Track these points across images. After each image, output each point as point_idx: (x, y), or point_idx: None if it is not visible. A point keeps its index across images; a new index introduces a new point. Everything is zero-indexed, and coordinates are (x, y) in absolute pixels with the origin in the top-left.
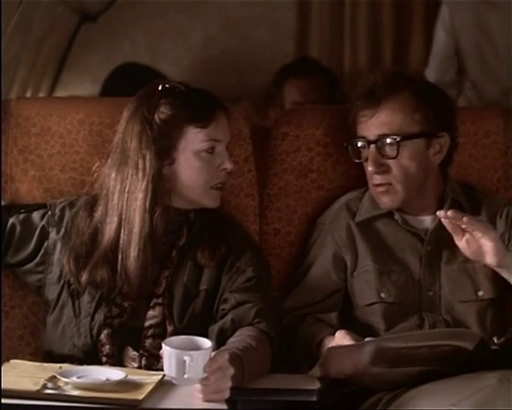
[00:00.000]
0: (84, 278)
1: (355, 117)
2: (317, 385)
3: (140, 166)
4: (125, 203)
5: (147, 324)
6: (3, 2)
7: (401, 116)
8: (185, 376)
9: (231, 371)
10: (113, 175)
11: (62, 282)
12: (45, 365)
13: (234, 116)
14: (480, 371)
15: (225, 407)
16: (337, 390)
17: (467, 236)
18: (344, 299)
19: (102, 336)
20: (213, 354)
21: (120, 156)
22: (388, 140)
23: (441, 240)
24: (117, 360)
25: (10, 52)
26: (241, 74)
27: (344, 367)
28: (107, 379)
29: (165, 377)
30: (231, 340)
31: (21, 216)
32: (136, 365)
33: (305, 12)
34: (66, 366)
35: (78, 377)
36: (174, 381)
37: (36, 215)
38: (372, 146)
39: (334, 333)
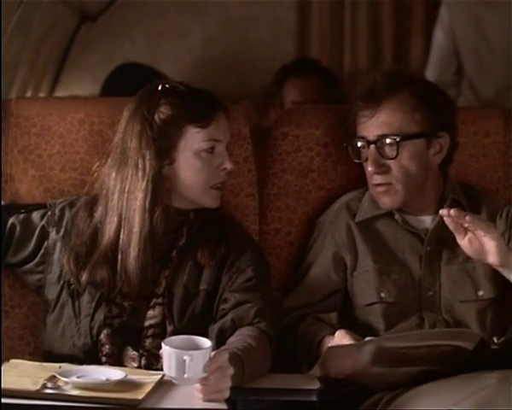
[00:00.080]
0: (83, 277)
1: (355, 117)
2: (316, 385)
3: (140, 166)
4: (124, 203)
5: (147, 323)
6: (3, 2)
7: (401, 116)
8: (185, 375)
9: (231, 370)
10: (113, 175)
11: (62, 282)
12: (45, 364)
13: (234, 116)
14: (480, 371)
15: (225, 406)
16: (337, 390)
17: (469, 235)
18: (344, 299)
19: (102, 335)
20: (213, 353)
21: (120, 156)
22: (388, 140)
23: (441, 240)
24: (117, 360)
25: (10, 52)
26: (241, 74)
27: (344, 367)
28: (107, 379)
29: (165, 377)
30: (231, 340)
31: (21, 216)
32: (135, 364)
33: (305, 12)
34: (65, 366)
35: (78, 377)
36: (174, 381)
37: (36, 215)
38: (372, 146)
39: (334, 333)
